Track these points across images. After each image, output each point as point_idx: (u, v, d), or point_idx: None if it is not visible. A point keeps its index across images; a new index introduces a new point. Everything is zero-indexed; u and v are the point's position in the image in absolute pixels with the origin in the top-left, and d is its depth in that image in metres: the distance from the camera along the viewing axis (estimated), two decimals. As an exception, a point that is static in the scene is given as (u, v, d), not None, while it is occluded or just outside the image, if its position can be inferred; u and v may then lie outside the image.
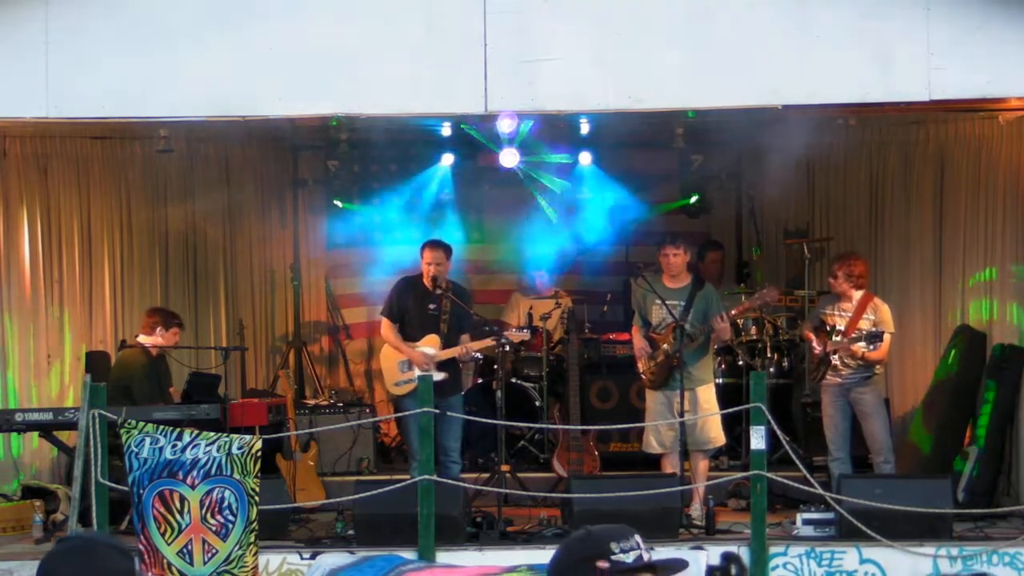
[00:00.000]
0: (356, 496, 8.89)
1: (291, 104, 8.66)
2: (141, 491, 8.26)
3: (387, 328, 9.96)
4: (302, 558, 8.51)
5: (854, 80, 8.44)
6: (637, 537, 3.27)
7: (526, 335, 10.56)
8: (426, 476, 8.43)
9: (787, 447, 9.11)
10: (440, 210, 12.93)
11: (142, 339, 10.15)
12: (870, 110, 9.35)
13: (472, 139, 11.68)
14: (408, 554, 8.26)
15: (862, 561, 8.45)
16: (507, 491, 9.63)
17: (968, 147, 10.69)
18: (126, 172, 11.74)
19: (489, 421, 10.03)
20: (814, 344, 9.90)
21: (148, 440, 8.27)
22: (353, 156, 12.32)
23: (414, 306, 9.88)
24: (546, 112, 9.00)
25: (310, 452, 10.69)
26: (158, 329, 10.12)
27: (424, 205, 12.82)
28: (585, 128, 11.40)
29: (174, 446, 8.27)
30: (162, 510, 8.26)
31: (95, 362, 10.68)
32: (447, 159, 12.52)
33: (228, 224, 12.76)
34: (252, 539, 8.28)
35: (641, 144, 12.55)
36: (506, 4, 8.34)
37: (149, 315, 10.37)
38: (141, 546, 8.30)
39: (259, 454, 8.32)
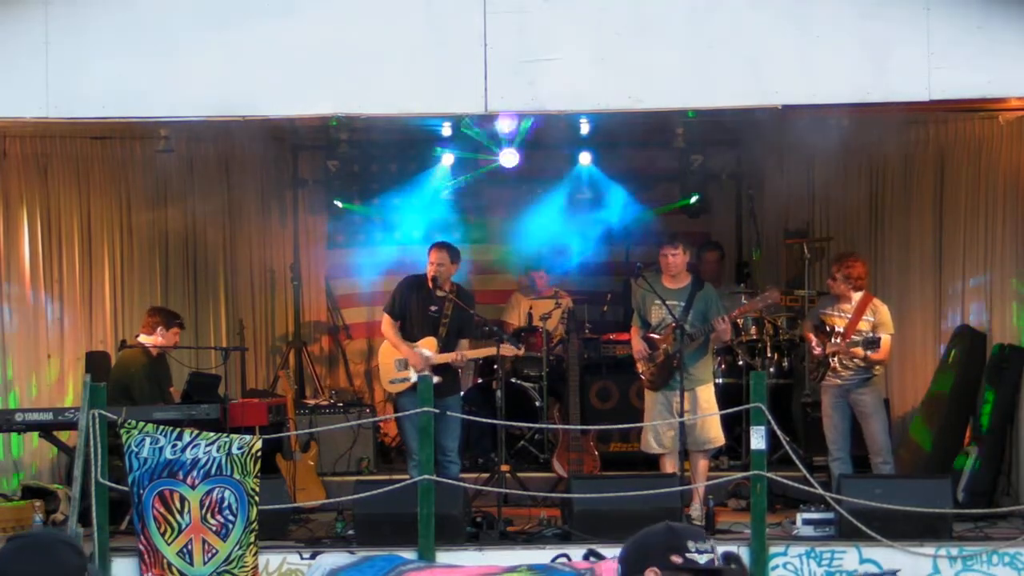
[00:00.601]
0: (356, 496, 8.89)
1: (291, 104, 8.66)
2: (141, 491, 8.27)
3: (387, 325, 9.97)
4: (302, 558, 8.51)
5: (854, 80, 8.44)
6: (713, 542, 3.37)
7: (520, 351, 10.54)
8: (426, 476, 8.43)
9: (787, 447, 9.11)
10: (440, 210, 12.93)
11: (142, 339, 10.15)
12: (870, 110, 9.34)
13: (472, 139, 11.69)
14: (408, 554, 8.26)
15: (862, 561, 8.45)
16: (507, 491, 9.63)
17: (968, 147, 10.69)
18: (126, 172, 11.74)
19: (489, 421, 10.04)
20: (813, 345, 9.89)
21: (148, 440, 8.28)
22: (353, 156, 12.32)
23: (416, 306, 9.89)
24: (546, 112, 9.00)
25: (310, 452, 10.68)
26: (159, 329, 10.12)
27: (424, 205, 12.83)
28: (585, 128, 11.40)
29: (174, 446, 8.28)
30: (162, 510, 8.27)
31: (95, 362, 10.68)
32: (447, 159, 12.53)
33: (228, 224, 12.76)
34: (252, 539, 8.29)
35: (641, 144, 12.56)
36: (506, 4, 8.33)
37: (150, 315, 10.37)
38: (141, 546, 8.31)
39: (259, 454, 8.33)
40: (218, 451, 8.27)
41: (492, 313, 12.15)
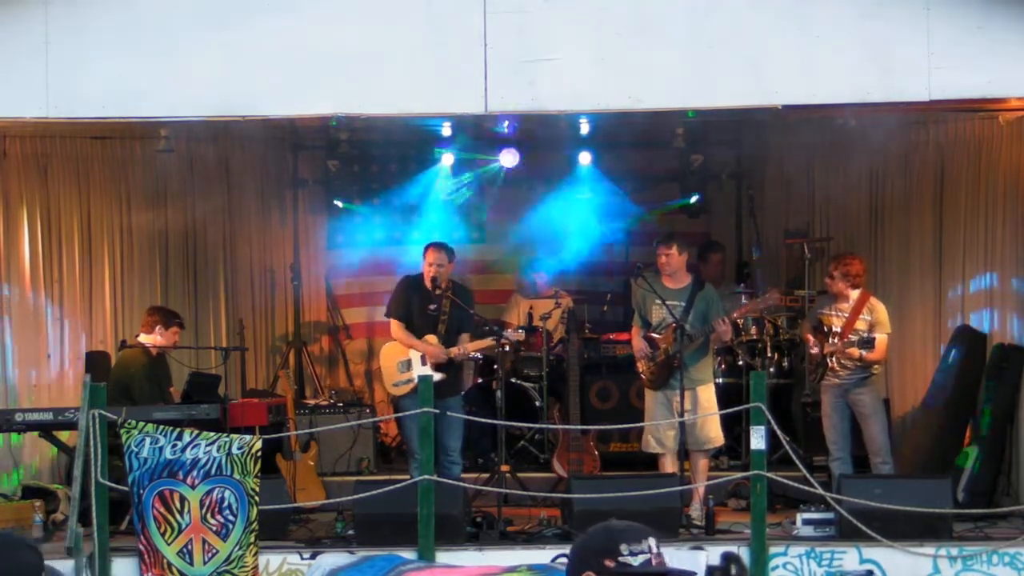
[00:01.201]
0: (356, 496, 8.89)
1: (291, 104, 8.66)
2: (141, 491, 8.27)
3: (397, 328, 9.95)
4: (302, 558, 8.51)
5: (854, 80, 8.44)
6: (652, 541, 3.27)
7: (521, 335, 10.55)
8: (426, 476, 8.43)
9: (787, 447, 9.11)
10: (440, 210, 12.93)
11: (142, 338, 10.14)
12: (870, 110, 9.34)
13: (472, 139, 11.69)
14: (408, 554, 8.26)
15: (862, 561, 8.45)
16: (507, 491, 9.64)
17: (968, 147, 10.69)
18: (126, 172, 11.74)
19: (489, 421, 10.04)
20: (811, 346, 9.89)
21: (148, 440, 8.28)
22: (353, 156, 12.32)
23: (415, 306, 9.89)
24: (546, 112, 9.00)
25: (310, 452, 10.68)
26: (157, 328, 10.11)
27: (424, 205, 12.82)
28: (585, 128, 11.40)
29: (174, 446, 8.28)
30: (162, 510, 8.27)
31: (95, 362, 10.68)
32: (447, 159, 12.53)
33: (228, 224, 12.75)
34: (252, 539, 8.29)
35: (641, 144, 12.56)
36: (506, 4, 8.33)
37: (149, 314, 10.37)
38: (141, 546, 8.31)
39: (259, 454, 8.33)
40: (218, 451, 8.27)
41: (492, 313, 12.14)
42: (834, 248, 11.59)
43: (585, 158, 12.49)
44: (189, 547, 8.28)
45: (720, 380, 10.83)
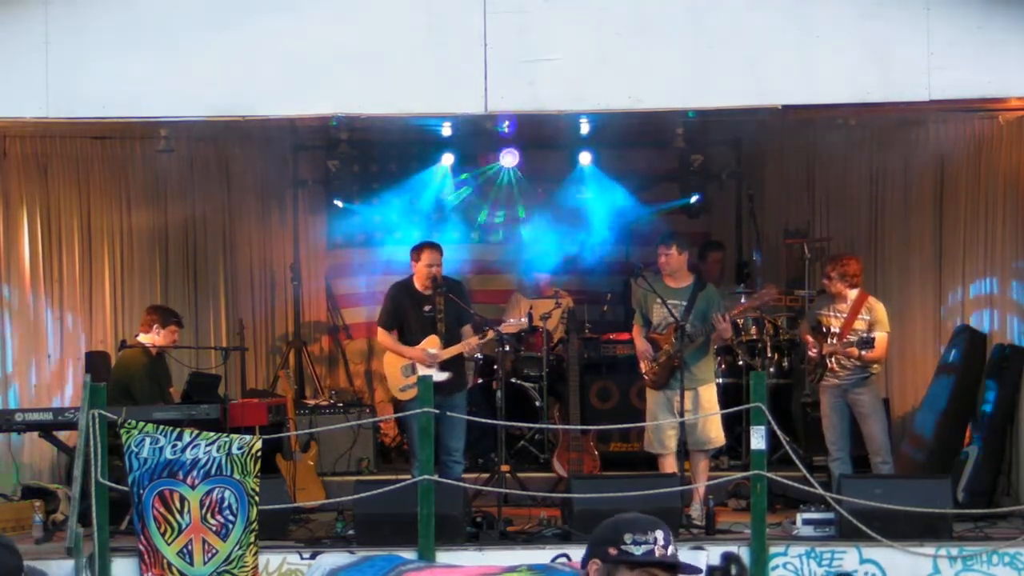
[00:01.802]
0: (356, 496, 8.88)
1: (291, 104, 8.66)
2: (141, 491, 8.27)
3: (383, 336, 9.97)
4: (302, 558, 8.51)
5: (854, 80, 8.44)
6: (660, 533, 3.41)
7: (524, 323, 10.54)
8: (426, 476, 8.43)
9: (787, 447, 9.11)
10: (440, 210, 12.94)
11: (141, 338, 10.14)
12: (870, 110, 9.34)
13: (472, 139, 11.69)
14: (408, 554, 8.26)
15: (862, 561, 8.45)
16: (507, 491, 9.64)
17: (968, 147, 10.69)
18: (126, 172, 11.75)
19: (489, 421, 10.04)
20: (810, 347, 9.89)
21: (148, 440, 8.28)
22: (353, 156, 12.32)
23: (411, 311, 9.86)
24: (546, 112, 9.00)
25: (310, 452, 10.68)
26: (155, 327, 10.10)
27: (424, 205, 12.83)
28: (585, 128, 11.40)
29: (174, 446, 8.28)
30: (162, 510, 8.27)
31: (95, 362, 10.68)
32: (447, 159, 12.53)
33: (228, 224, 12.76)
34: (252, 539, 8.29)
35: (641, 144, 12.56)
36: (506, 4, 8.33)
37: (147, 313, 10.36)
38: (141, 546, 8.31)
39: (259, 454, 8.32)
40: (218, 451, 8.27)
41: (492, 313, 12.14)
42: (834, 248, 11.60)
43: (585, 158, 12.50)
44: (189, 547, 8.28)
45: (720, 380, 10.83)
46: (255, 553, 8.33)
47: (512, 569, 7.19)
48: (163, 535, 8.27)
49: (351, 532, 8.85)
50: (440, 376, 9.47)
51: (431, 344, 9.77)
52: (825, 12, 8.39)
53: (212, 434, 8.38)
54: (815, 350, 9.79)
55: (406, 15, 8.45)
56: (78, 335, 11.17)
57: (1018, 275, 9.89)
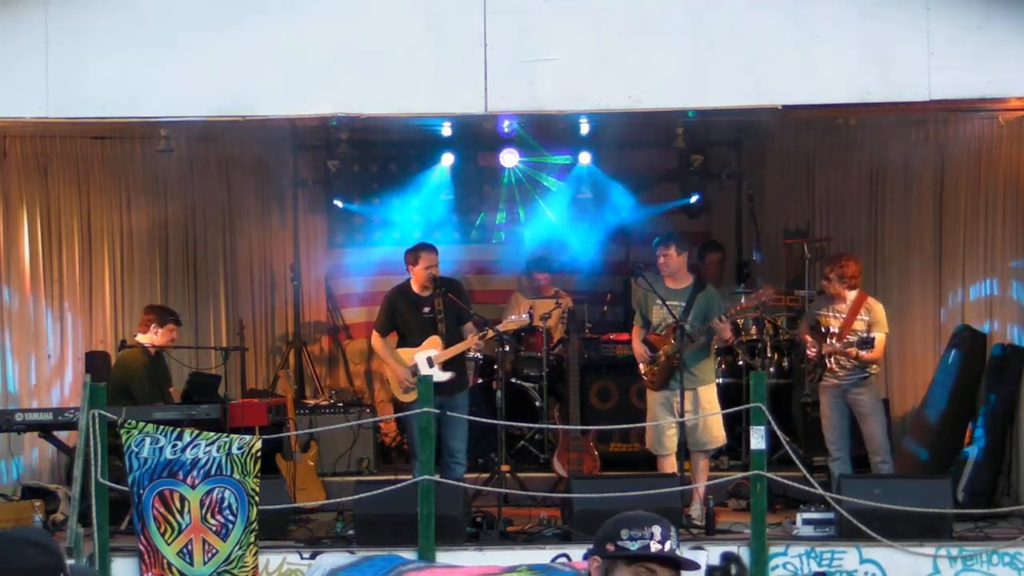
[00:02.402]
0: (356, 496, 8.89)
1: (291, 104, 8.67)
2: (141, 491, 8.27)
3: (376, 340, 9.98)
4: (302, 558, 8.51)
5: (854, 80, 8.45)
6: (657, 528, 3.44)
7: (525, 320, 10.54)
8: (426, 476, 8.43)
9: (787, 447, 9.11)
10: (440, 210, 12.93)
11: (139, 338, 10.14)
12: (870, 110, 9.34)
13: (471, 139, 11.68)
14: (408, 554, 8.26)
15: (862, 561, 8.45)
16: (507, 491, 9.64)
17: (968, 147, 10.69)
18: (126, 172, 11.74)
19: (489, 421, 10.03)
20: (808, 347, 9.89)
21: (148, 440, 8.28)
22: (353, 156, 12.31)
23: (409, 314, 9.85)
24: (546, 112, 9.00)
25: (310, 452, 10.68)
26: (152, 327, 10.11)
27: (424, 205, 12.83)
28: (585, 128, 11.40)
29: (174, 446, 8.28)
30: (162, 510, 8.27)
31: (95, 362, 10.68)
32: (447, 159, 12.53)
33: (228, 224, 12.75)
34: (252, 539, 8.29)
35: (641, 144, 12.55)
36: (506, 4, 8.34)
37: (145, 313, 10.36)
38: (141, 546, 8.31)
39: (259, 454, 8.33)
40: (218, 451, 8.27)
41: (492, 313, 12.13)
42: (834, 248, 11.59)
43: (585, 158, 12.50)
44: (189, 547, 8.28)
45: (720, 380, 10.83)
46: (255, 553, 8.33)
47: (512, 569, 7.20)
48: (163, 535, 8.28)
49: (351, 532, 8.86)
50: (442, 376, 9.47)
51: (432, 345, 9.76)
52: (825, 12, 8.39)
53: (212, 434, 8.38)
54: (814, 350, 9.80)
55: (406, 15, 8.45)
56: (78, 335, 11.17)
57: (1018, 275, 9.89)
